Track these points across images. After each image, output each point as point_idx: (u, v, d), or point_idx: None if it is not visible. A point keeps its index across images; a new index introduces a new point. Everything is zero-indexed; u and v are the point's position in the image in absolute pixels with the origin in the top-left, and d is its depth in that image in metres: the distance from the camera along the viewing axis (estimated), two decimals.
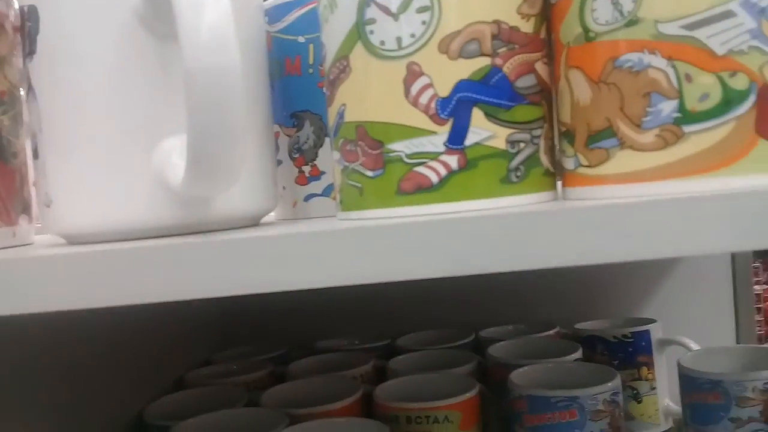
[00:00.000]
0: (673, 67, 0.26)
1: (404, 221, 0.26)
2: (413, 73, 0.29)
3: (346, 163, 0.31)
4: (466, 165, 0.29)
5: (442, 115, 0.29)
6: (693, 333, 0.81)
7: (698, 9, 0.26)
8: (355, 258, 0.25)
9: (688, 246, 0.24)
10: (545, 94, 0.31)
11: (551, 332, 0.74)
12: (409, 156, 0.29)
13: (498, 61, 0.29)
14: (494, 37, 0.29)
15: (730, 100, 0.26)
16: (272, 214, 0.43)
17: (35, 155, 0.31)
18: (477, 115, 0.29)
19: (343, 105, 0.31)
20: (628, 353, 0.71)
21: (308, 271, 0.25)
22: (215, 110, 0.26)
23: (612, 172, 0.28)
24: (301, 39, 0.37)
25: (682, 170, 0.26)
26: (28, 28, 0.30)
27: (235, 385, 0.64)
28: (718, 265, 0.84)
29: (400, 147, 0.29)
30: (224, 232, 0.29)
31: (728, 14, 0.26)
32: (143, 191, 0.29)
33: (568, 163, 0.30)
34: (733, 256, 0.84)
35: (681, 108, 0.26)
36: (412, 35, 0.29)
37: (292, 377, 0.66)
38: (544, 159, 0.31)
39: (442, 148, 0.29)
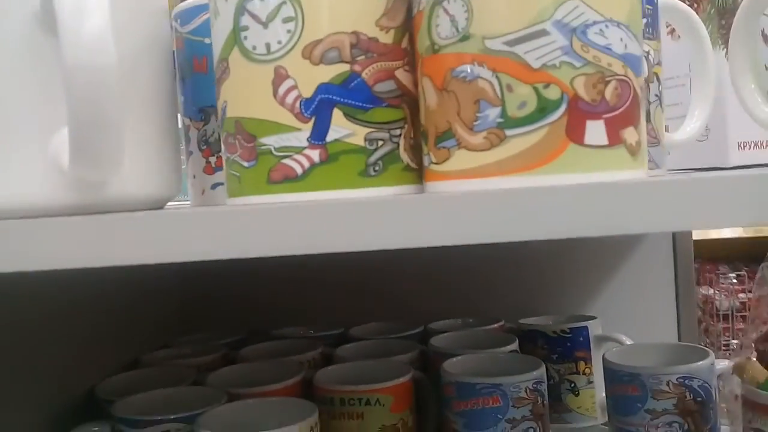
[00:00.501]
0: (497, 78, 0.29)
1: (263, 206, 0.29)
2: (280, 76, 0.32)
3: (228, 155, 0.35)
4: (327, 158, 0.32)
5: (305, 114, 0.32)
6: (638, 331, 0.84)
7: (517, 27, 0.29)
8: (215, 238, 0.29)
9: (502, 233, 0.28)
10: (406, 99, 0.34)
11: (495, 326, 0.77)
12: (277, 149, 0.32)
13: (356, 67, 0.32)
14: (353, 46, 0.32)
15: (544, 108, 0.29)
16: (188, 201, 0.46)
17: None
18: (337, 114, 0.32)
19: (225, 102, 0.34)
20: (566, 348, 0.74)
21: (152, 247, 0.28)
22: (90, 104, 0.29)
23: (452, 168, 0.31)
24: (207, 40, 0.41)
25: (505, 169, 0.30)
26: None
27: (188, 367, 0.68)
28: (662, 265, 0.87)
29: (270, 141, 0.33)
30: (112, 214, 0.33)
31: (543, 33, 0.29)
32: (43, 174, 0.32)
33: (425, 161, 0.33)
34: (676, 258, 0.87)
35: (503, 114, 0.29)
36: (279, 42, 0.32)
37: (243, 361, 0.70)
38: (405, 156, 0.34)
39: (306, 143, 0.32)
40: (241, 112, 0.33)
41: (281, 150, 0.32)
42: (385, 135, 0.33)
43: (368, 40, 0.33)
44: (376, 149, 0.33)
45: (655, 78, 0.41)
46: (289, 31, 0.32)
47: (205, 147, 0.43)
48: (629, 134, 0.30)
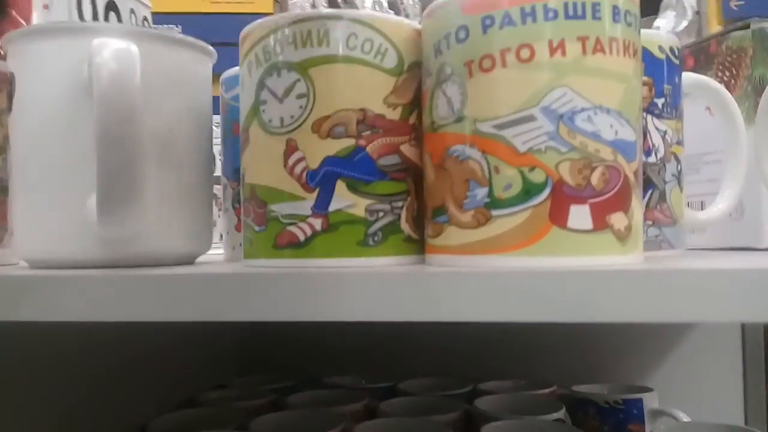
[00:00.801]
0: (486, 159, 0.31)
1: (260, 271, 0.31)
2: (291, 148, 0.34)
3: (245, 218, 0.37)
4: (329, 227, 0.34)
5: (311, 185, 0.34)
6: (701, 408, 0.81)
7: (507, 112, 0.30)
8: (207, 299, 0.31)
9: (474, 312, 0.29)
10: (411, 172, 0.36)
11: (546, 390, 0.76)
12: (284, 216, 0.35)
13: (362, 142, 0.34)
14: (359, 122, 0.34)
15: (528, 191, 0.30)
16: (222, 255, 0.49)
17: (4, 193, 0.39)
18: (340, 186, 0.34)
19: (245, 168, 0.37)
20: (618, 420, 0.72)
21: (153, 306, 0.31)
22: (115, 170, 0.32)
23: (444, 243, 0.33)
24: None
25: (490, 247, 0.31)
26: (9, 89, 0.38)
27: (237, 410, 0.70)
28: (729, 338, 0.84)
29: (278, 208, 0.35)
30: (128, 269, 0.36)
31: (530, 118, 0.30)
32: (79, 229, 0.36)
33: (426, 233, 0.35)
34: (744, 334, 0.83)
35: (490, 194, 0.31)
36: (292, 116, 0.34)
37: (290, 408, 0.72)
38: (406, 227, 0.35)
39: (309, 212, 0.34)
40: (256, 179, 0.36)
41: (287, 217, 0.35)
42: (387, 207, 0.35)
43: (375, 117, 0.34)
44: (376, 220, 0.34)
45: (672, 158, 0.41)
46: (301, 107, 0.34)
47: (237, 205, 0.46)
48: (617, 219, 0.31)
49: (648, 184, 0.40)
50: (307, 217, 0.34)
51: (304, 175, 0.34)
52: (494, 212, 0.31)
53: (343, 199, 0.34)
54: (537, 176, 0.30)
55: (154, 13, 0.52)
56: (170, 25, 0.92)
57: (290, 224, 0.35)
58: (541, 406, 0.70)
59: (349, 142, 0.34)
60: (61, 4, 0.45)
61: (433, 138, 0.33)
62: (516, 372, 0.84)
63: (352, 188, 0.34)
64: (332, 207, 0.34)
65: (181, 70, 0.39)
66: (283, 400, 0.74)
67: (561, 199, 0.30)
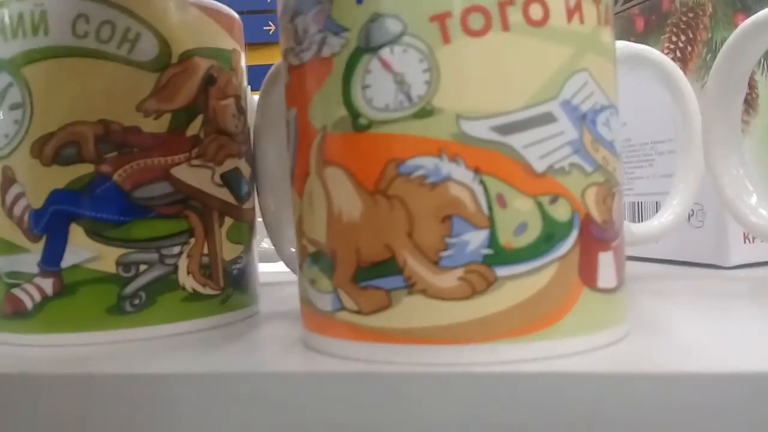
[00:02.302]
0: (483, 183, 0.19)
1: None
2: (8, 180, 0.24)
3: None
4: (63, 290, 0.24)
5: (35, 231, 0.24)
6: None
7: (515, 107, 0.18)
8: None
9: None
10: (195, 203, 0.25)
11: None
12: (7, 275, 0.25)
13: (105, 167, 0.24)
14: (100, 139, 0.24)
15: (551, 235, 0.19)
16: None
17: None
18: (75, 231, 0.24)
19: None
20: None
21: None
22: None
23: (396, 325, 0.19)
24: None
25: (497, 330, 0.19)
26: None
27: None
28: None
29: (0, 264, 0.25)
30: None
31: (548, 118, 0.19)
32: None
33: (322, 302, 0.21)
34: None
35: (493, 241, 0.19)
36: (6, 135, 0.24)
37: None
38: (188, 280, 0.25)
39: (36, 269, 0.24)
40: None
41: (11, 276, 0.25)
42: (153, 256, 0.25)
43: (123, 131, 0.24)
44: (135, 276, 0.24)
45: None
46: (16, 122, 0.24)
47: None
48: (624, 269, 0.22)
49: None
50: (34, 276, 0.24)
51: (26, 217, 0.24)
52: (499, 271, 0.19)
53: (80, 249, 0.24)
54: (561, 211, 0.19)
55: None
56: None
57: (15, 286, 0.25)
58: None
59: (85, 169, 0.24)
60: None
61: (359, 142, 0.20)
62: None
63: (94, 234, 0.24)
64: (66, 262, 0.24)
65: None
66: None
67: (589, 244, 0.19)
